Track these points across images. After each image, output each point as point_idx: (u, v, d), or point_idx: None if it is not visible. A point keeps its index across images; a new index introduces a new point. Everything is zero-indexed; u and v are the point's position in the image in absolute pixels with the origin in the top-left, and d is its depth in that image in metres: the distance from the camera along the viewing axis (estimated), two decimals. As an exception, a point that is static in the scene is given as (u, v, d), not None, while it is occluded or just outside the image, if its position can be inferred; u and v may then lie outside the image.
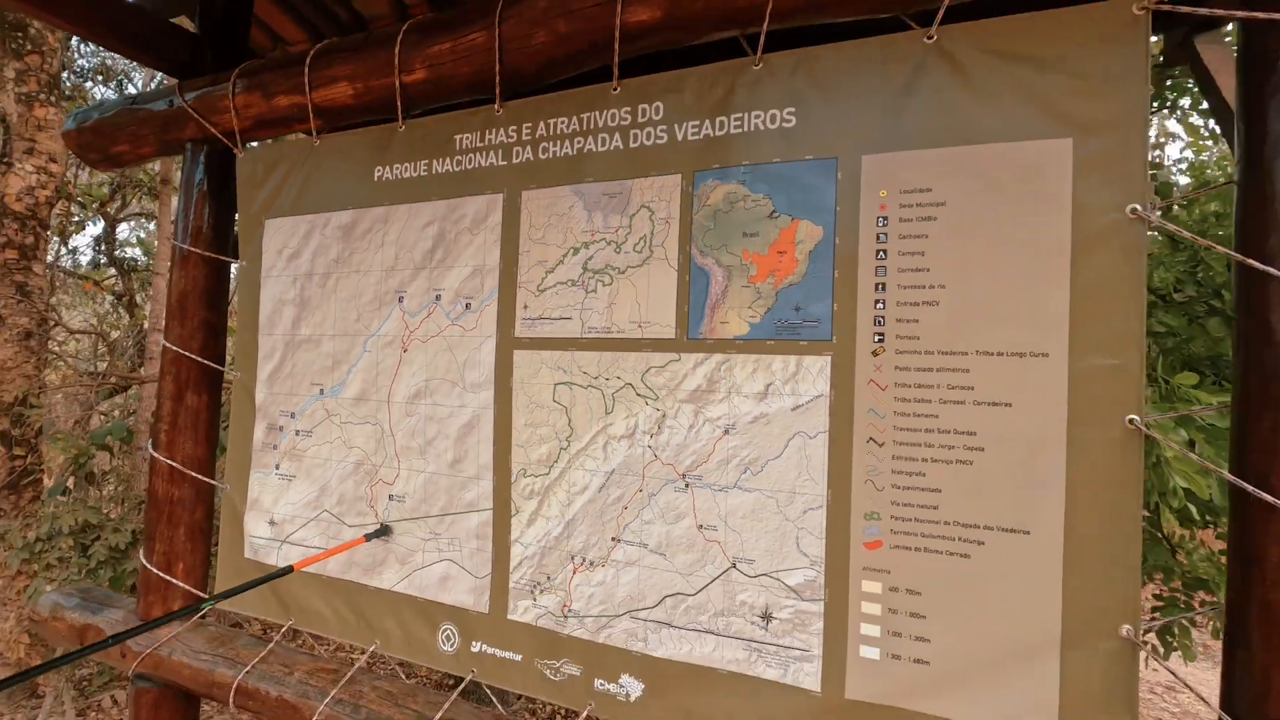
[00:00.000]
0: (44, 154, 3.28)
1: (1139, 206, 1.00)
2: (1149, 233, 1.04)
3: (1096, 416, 1.01)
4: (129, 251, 8.64)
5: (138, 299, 7.53)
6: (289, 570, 1.48)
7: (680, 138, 1.32)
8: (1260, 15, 0.97)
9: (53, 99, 3.32)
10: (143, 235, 9.01)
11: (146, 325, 5.51)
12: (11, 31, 3.34)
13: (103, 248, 8.42)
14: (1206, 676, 4.52)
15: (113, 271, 7.93)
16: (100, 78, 4.70)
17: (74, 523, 2.49)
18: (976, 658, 1.07)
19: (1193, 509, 1.99)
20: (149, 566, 1.92)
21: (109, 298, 8.19)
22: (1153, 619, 2.62)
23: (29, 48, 3.22)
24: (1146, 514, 2.51)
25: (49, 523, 2.49)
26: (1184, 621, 2.58)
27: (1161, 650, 2.63)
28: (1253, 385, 0.97)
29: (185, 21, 2.35)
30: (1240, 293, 1.01)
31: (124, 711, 3.14)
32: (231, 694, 1.66)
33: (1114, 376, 1.01)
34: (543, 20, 1.36)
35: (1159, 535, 2.66)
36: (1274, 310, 0.95)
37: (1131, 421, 0.99)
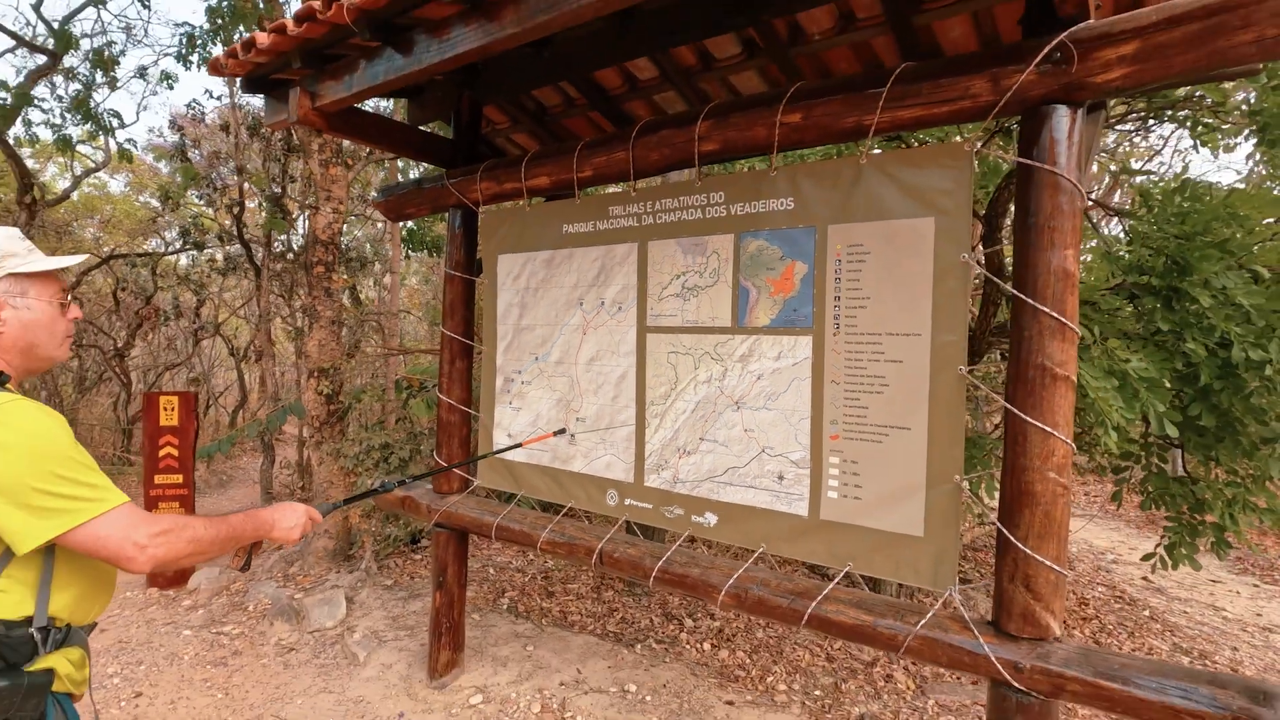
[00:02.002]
0: (335, 199, 4.82)
1: (965, 255, 1.88)
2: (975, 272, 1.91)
3: (944, 367, 1.92)
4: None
5: (360, 293, 9.54)
6: (519, 445, 2.69)
7: (732, 212, 2.32)
8: (1027, 162, 1.80)
9: (338, 161, 4.84)
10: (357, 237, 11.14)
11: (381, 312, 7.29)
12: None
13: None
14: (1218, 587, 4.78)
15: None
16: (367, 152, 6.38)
17: (375, 445, 3.96)
18: (885, 495, 2.02)
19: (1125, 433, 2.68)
20: (439, 461, 3.26)
21: (345, 290, 10.30)
22: (1162, 539, 3.27)
23: (325, 128, 4.75)
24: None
25: (363, 443, 3.98)
26: (1187, 538, 3.20)
27: (1170, 562, 3.26)
28: (1020, 348, 1.83)
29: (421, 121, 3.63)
30: (1015, 303, 1.86)
31: (403, 570, 4.71)
32: (493, 530, 2.94)
33: (952, 346, 1.90)
34: (655, 147, 2.40)
35: (1165, 468, 3.27)
36: (1022, 312, 1.80)
37: (960, 370, 1.89)
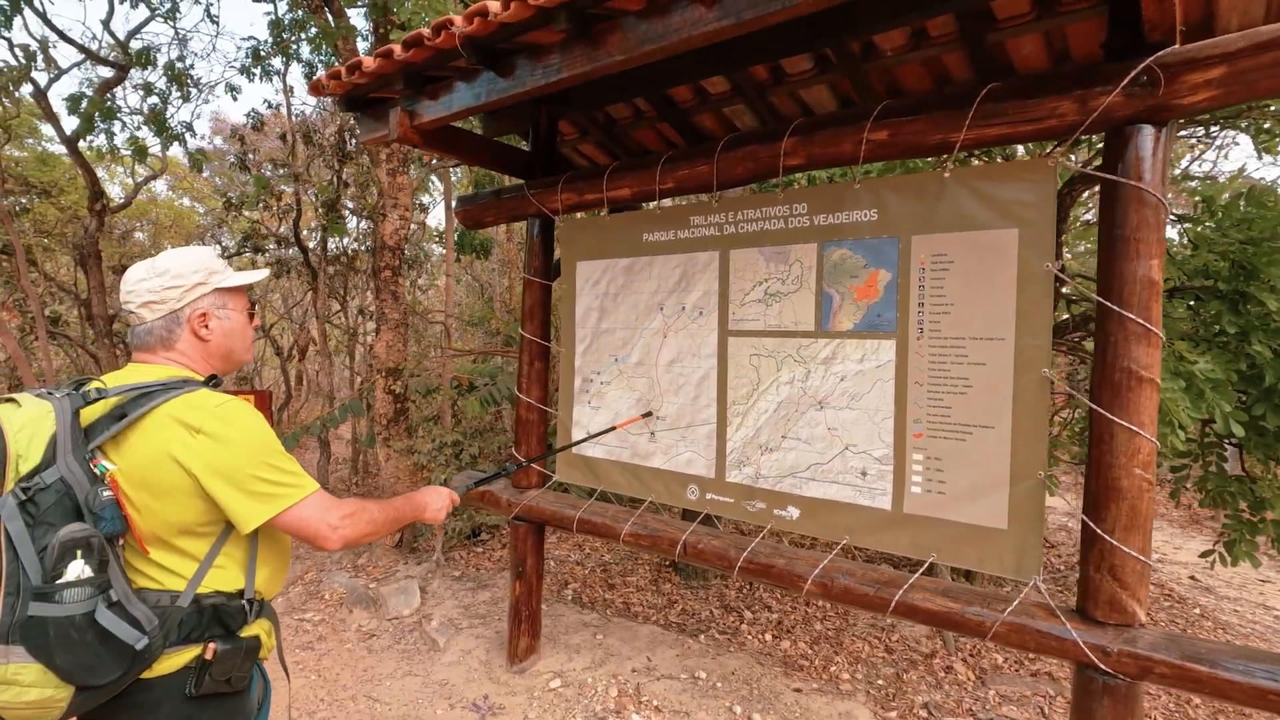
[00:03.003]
0: (401, 207, 5.03)
1: (1049, 263, 2.00)
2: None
3: (1027, 369, 2.03)
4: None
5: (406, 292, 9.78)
6: (613, 428, 2.84)
7: (816, 223, 2.45)
8: (1113, 178, 1.91)
9: (404, 170, 5.05)
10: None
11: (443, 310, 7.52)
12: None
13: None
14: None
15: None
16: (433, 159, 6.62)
17: (447, 442, 4.16)
18: (969, 490, 2.14)
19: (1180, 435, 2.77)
20: (517, 456, 3.43)
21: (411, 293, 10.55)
22: (1221, 536, 3.34)
23: (393, 138, 4.97)
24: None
25: (435, 440, 4.19)
26: (1247, 535, 3.27)
27: (1230, 559, 3.33)
28: (1105, 352, 1.94)
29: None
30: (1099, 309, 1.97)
31: (468, 562, 4.91)
32: (575, 523, 3.10)
33: (1036, 349, 2.02)
34: (740, 162, 2.54)
35: (1225, 469, 3.34)
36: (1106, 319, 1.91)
37: (1044, 372, 2.01)
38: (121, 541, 1.32)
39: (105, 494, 1.26)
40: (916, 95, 2.61)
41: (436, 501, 1.80)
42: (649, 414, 2.94)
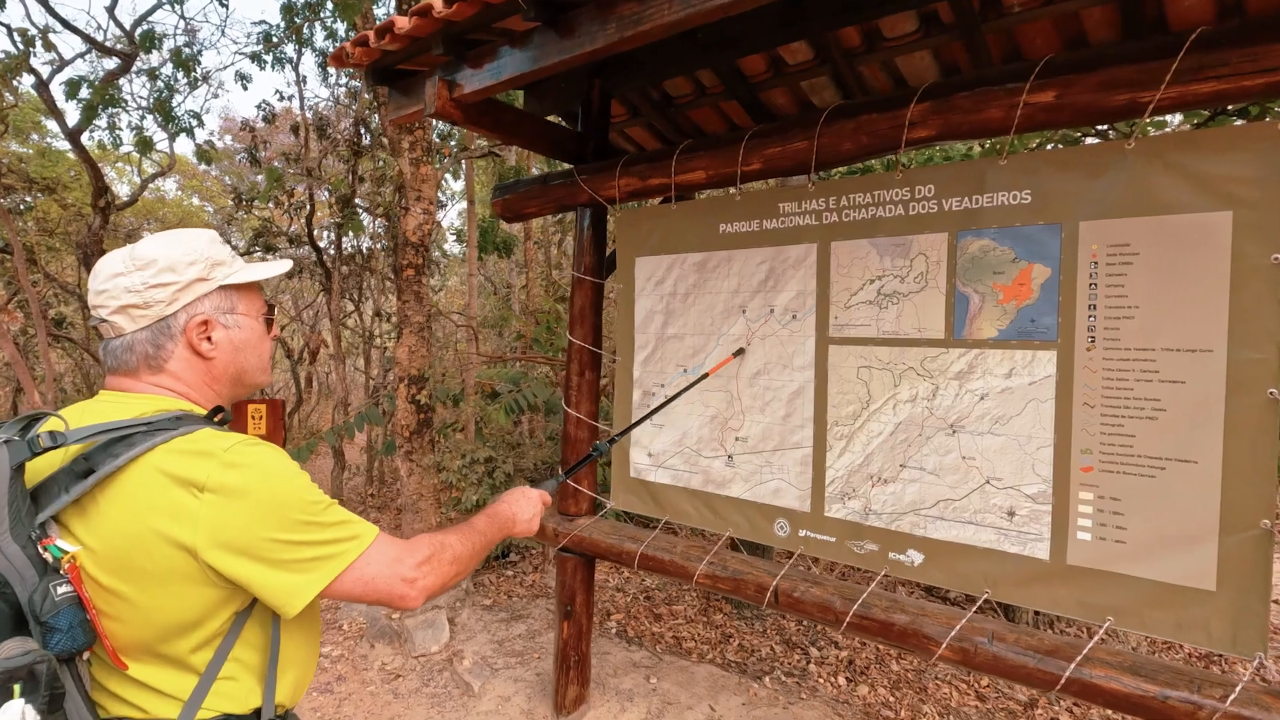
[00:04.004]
0: (425, 200, 4.62)
1: (1277, 255, 1.56)
2: (1290, 271, 1.60)
3: (1246, 390, 1.60)
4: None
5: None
6: (705, 376, 2.42)
7: (946, 208, 2.02)
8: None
9: (429, 160, 4.64)
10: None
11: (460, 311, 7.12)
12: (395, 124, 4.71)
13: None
14: None
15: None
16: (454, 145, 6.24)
17: (479, 458, 3.76)
18: (1159, 539, 1.71)
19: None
20: (567, 481, 3.02)
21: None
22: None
23: (415, 125, 4.56)
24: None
25: (466, 456, 3.79)
26: None
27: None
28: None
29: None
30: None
31: (498, 588, 4.49)
32: (636, 559, 2.68)
33: (1259, 364, 1.59)
34: (850, 136, 2.12)
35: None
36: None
37: (1271, 393, 1.57)
38: (86, 656, 0.91)
39: (62, 591, 0.85)
40: (1091, 48, 2.18)
41: (527, 509, 1.42)
42: (740, 351, 2.49)
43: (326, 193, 7.73)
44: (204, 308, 1.06)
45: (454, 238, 10.86)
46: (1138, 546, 1.74)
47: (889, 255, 2.14)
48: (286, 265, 1.20)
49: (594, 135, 3.01)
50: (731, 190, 2.54)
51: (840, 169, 4.29)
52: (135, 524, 0.91)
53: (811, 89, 2.98)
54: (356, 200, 7.37)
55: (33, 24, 6.02)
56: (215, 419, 1.04)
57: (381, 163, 6.56)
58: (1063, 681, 1.74)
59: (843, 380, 2.24)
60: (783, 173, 2.35)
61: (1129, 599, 1.75)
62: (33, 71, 6.43)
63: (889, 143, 2.05)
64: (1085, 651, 1.75)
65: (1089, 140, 4.03)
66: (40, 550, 0.86)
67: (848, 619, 2.12)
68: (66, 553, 0.87)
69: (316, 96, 8.22)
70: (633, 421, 2.20)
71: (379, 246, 7.81)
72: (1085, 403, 1.81)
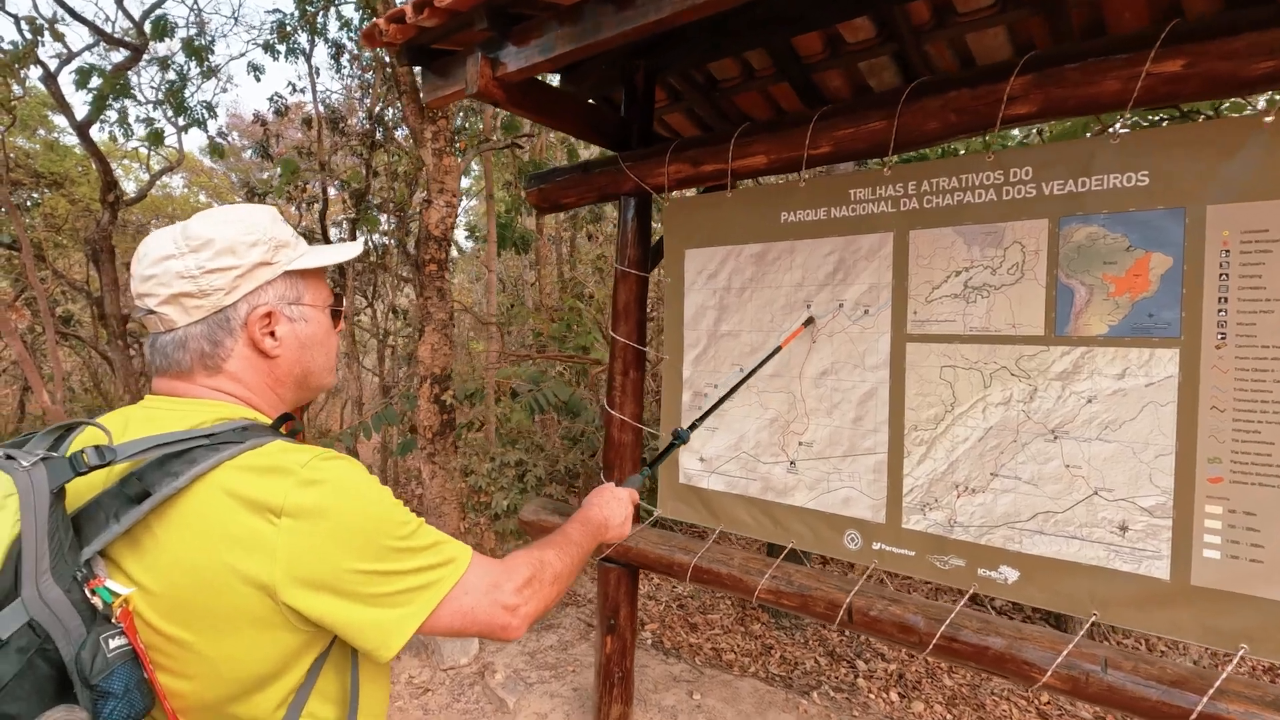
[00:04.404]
0: (449, 192, 4.45)
1: None
2: None
3: None
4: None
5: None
6: (777, 350, 2.19)
7: (1047, 192, 1.84)
8: None
9: (450, 151, 4.47)
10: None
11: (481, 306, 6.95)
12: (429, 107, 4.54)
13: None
14: None
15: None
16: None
17: (510, 461, 3.60)
18: (1301, 559, 1.53)
19: None
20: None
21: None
22: None
23: (440, 114, 4.39)
24: None
25: (495, 460, 3.63)
26: None
27: None
28: None
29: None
30: None
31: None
32: (689, 571, 2.51)
33: None
34: (936, 114, 1.94)
35: None
36: None
37: None
38: None
39: (115, 645, 0.69)
40: (1225, 12, 2.01)
41: (618, 511, 1.28)
42: (811, 320, 2.29)
43: (338, 188, 7.57)
44: (267, 297, 0.90)
45: (466, 235, 10.70)
46: (1276, 566, 1.56)
47: (978, 244, 1.96)
48: (357, 248, 1.03)
49: (639, 119, 2.83)
50: (795, 176, 2.36)
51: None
52: (201, 558, 0.74)
53: (870, 70, 2.80)
54: (369, 196, 7.21)
55: (40, 15, 5.86)
56: (282, 429, 0.87)
57: (396, 156, 6.39)
58: (1193, 718, 1.56)
59: (923, 381, 2.06)
60: (854, 156, 2.18)
61: (1266, 624, 1.57)
62: (40, 64, 6.29)
63: (982, 121, 1.88)
64: (1218, 683, 1.57)
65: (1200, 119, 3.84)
66: (87, 593, 0.69)
67: (934, 641, 1.95)
68: (119, 595, 0.71)
69: (329, 91, 8.03)
70: (711, 405, 2.00)
71: (393, 243, 7.65)
72: (1214, 406, 1.63)
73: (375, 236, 7.41)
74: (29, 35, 5.31)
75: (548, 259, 9.15)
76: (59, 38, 5.62)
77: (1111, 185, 1.75)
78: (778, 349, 2.24)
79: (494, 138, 5.63)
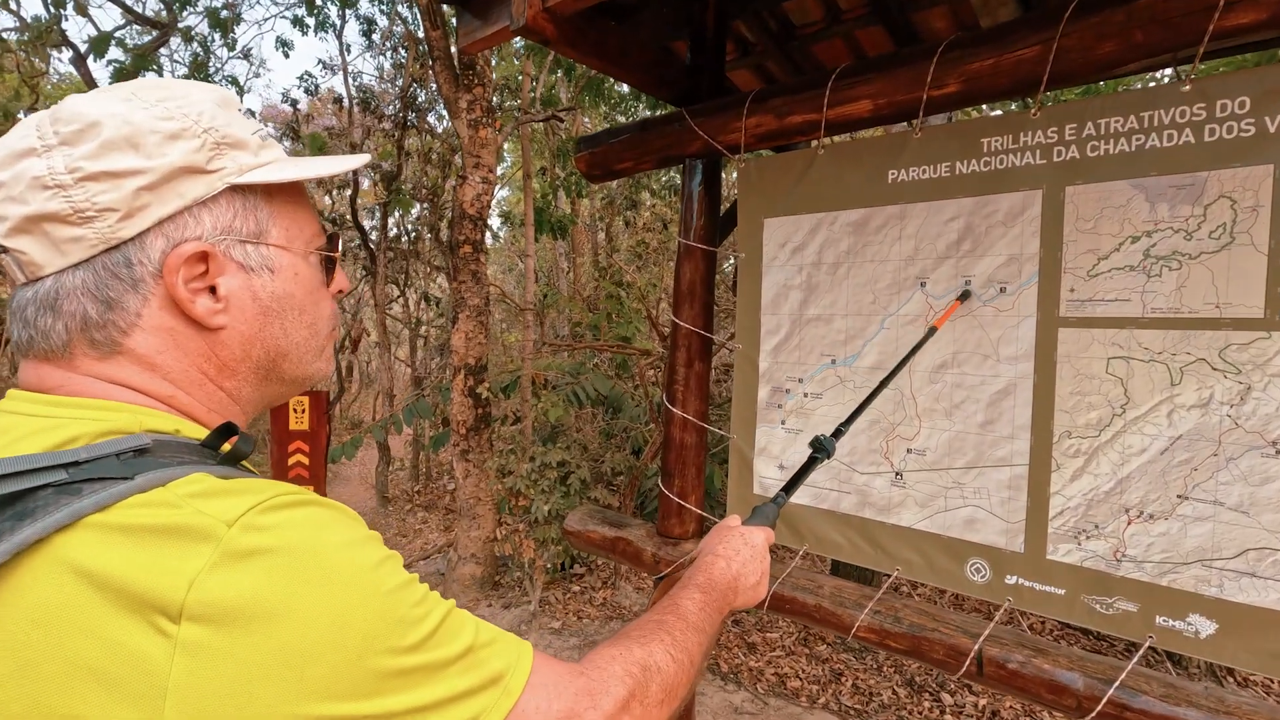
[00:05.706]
0: (485, 167, 4.11)
1: None
2: None
3: None
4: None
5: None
6: (932, 330, 1.78)
7: (1271, 129, 1.40)
8: None
9: (487, 122, 4.12)
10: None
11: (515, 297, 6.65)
12: (464, 70, 4.20)
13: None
14: None
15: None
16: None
17: (551, 462, 3.27)
18: None
19: None
20: (670, 495, 2.47)
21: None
22: None
23: (475, 82, 4.04)
24: None
25: (536, 460, 3.31)
26: None
27: None
28: None
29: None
30: None
31: (565, 607, 3.99)
32: (765, 599, 2.12)
33: None
34: (1117, 33, 1.51)
35: None
36: None
37: None
38: None
39: None
40: None
41: (752, 568, 0.92)
42: (967, 294, 1.82)
43: (370, 173, 7.31)
44: (200, 228, 0.52)
45: (500, 221, 10.42)
46: None
47: (1166, 201, 1.52)
48: (363, 158, 0.65)
49: (710, 69, 2.43)
50: (906, 126, 1.95)
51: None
52: (16, 706, 0.37)
53: (984, 7, 2.36)
54: (401, 179, 6.93)
55: (67, -8, 5.67)
56: (219, 450, 0.50)
57: (430, 135, 6.08)
58: None
59: (1081, 376, 1.64)
60: (991, 96, 1.76)
61: None
62: (69, 44, 6.12)
63: (1179, 39, 1.44)
64: None
65: None
66: None
67: (1098, 708, 1.53)
68: None
69: (360, 71, 7.77)
70: (863, 399, 1.56)
71: (425, 229, 7.37)
72: None
73: (407, 221, 7.13)
74: (52, 9, 5.10)
75: (583, 247, 8.79)
76: (83, 12, 5.41)
77: (1373, 116, 1.30)
78: (932, 330, 1.79)
79: (531, 110, 5.27)
